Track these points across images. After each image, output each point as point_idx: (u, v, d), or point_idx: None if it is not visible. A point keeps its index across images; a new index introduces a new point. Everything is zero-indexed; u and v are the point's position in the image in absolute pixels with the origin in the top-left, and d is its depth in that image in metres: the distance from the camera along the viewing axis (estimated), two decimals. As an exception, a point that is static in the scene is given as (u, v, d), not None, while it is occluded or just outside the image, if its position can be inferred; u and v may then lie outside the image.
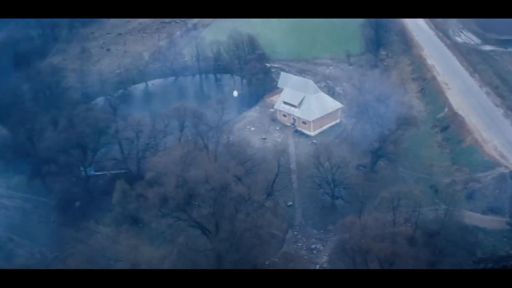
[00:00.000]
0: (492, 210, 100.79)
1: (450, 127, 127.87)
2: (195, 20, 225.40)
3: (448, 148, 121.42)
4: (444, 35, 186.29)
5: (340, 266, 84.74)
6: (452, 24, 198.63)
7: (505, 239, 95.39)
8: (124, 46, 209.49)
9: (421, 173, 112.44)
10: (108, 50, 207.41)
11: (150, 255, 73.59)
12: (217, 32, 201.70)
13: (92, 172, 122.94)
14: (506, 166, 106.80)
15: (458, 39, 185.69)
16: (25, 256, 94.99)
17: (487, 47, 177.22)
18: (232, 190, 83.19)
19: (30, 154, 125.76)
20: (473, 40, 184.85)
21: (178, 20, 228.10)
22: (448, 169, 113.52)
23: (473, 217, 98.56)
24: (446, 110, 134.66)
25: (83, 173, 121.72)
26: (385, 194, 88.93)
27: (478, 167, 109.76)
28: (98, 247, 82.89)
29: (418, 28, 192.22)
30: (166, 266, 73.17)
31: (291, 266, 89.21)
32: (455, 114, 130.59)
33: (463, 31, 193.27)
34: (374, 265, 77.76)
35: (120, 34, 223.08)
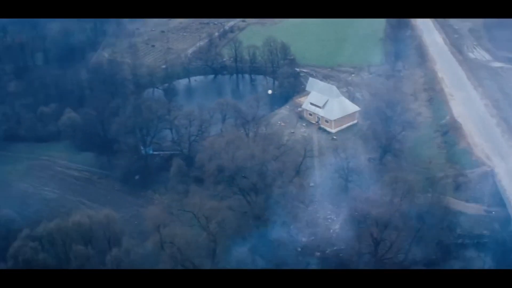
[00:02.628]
0: (474, 200, 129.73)
1: (449, 132, 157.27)
2: (231, 23, 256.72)
3: (445, 149, 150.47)
4: (457, 51, 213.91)
5: (348, 231, 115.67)
6: (467, 40, 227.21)
7: (481, 222, 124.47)
8: (167, 43, 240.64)
9: (420, 168, 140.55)
10: (153, 46, 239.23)
11: (210, 206, 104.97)
12: (252, 35, 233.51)
13: (151, 152, 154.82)
14: (489, 166, 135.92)
15: (471, 55, 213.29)
16: (97, 216, 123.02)
17: (497, 64, 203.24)
18: (270, 166, 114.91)
19: (98, 135, 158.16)
20: (484, 57, 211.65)
21: (215, 21, 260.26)
22: (443, 166, 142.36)
23: (458, 204, 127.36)
24: (448, 117, 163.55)
25: (143, 152, 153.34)
26: (386, 178, 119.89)
27: (467, 165, 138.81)
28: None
29: (435, 43, 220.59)
30: (220, 216, 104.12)
31: (310, 231, 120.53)
32: (455, 121, 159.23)
33: (477, 47, 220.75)
34: (373, 229, 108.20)
35: (163, 31, 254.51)
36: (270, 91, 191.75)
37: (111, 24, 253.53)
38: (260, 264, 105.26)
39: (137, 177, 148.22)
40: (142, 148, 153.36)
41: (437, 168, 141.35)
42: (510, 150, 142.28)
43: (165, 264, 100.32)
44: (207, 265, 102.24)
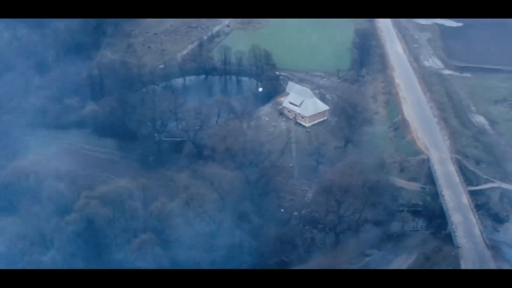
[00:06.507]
0: (413, 179, 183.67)
1: (399, 128, 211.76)
2: (217, 28, 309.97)
3: (395, 142, 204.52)
4: (414, 60, 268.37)
5: (318, 198, 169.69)
6: (425, 50, 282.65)
7: (417, 195, 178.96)
8: (161, 45, 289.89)
9: (375, 155, 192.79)
10: (149, 47, 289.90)
11: (221, 174, 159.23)
12: (236, 40, 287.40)
13: (163, 138, 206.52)
14: (426, 154, 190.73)
15: (426, 63, 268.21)
16: (135, 182, 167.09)
17: (447, 71, 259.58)
18: (262, 149, 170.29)
19: (118, 123, 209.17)
20: (437, 65, 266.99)
21: (203, 26, 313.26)
22: (392, 154, 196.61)
23: (401, 182, 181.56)
24: (399, 116, 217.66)
25: (156, 138, 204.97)
26: (347, 160, 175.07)
27: (410, 154, 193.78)
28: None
29: (395, 53, 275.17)
30: (228, 181, 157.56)
31: (289, 198, 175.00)
32: (404, 120, 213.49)
33: (432, 57, 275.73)
34: (336, 194, 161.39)
35: (156, 33, 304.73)
36: (260, 89, 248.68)
37: (109, 25, 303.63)
38: (256, 219, 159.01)
39: (151, 158, 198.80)
40: (156, 135, 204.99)
41: (388, 155, 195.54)
42: (443, 143, 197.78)
43: (187, 217, 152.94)
44: (217, 217, 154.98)
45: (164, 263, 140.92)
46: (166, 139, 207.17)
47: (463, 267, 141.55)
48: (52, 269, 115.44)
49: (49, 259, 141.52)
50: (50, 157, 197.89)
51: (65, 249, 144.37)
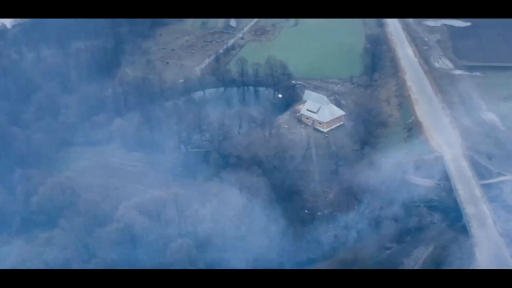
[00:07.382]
0: (428, 176, 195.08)
1: (413, 128, 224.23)
2: (232, 41, 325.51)
3: (409, 142, 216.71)
4: (425, 62, 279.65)
5: (339, 198, 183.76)
6: (435, 51, 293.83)
7: (432, 191, 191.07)
8: (179, 60, 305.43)
9: (391, 155, 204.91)
10: (167, 63, 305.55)
11: (249, 179, 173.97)
12: (252, 52, 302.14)
13: (189, 150, 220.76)
14: (439, 152, 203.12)
15: (436, 64, 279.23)
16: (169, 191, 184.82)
17: (457, 72, 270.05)
18: (285, 154, 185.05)
19: (145, 137, 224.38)
20: (447, 66, 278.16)
21: (218, 40, 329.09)
22: (407, 153, 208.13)
23: (416, 179, 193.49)
24: (413, 118, 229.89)
25: (183, 150, 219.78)
26: (363, 162, 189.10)
27: (424, 152, 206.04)
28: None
29: (406, 56, 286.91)
30: (255, 185, 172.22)
31: (312, 199, 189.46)
32: (417, 121, 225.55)
33: (442, 58, 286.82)
34: (356, 193, 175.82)
35: (173, 49, 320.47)
36: (280, 95, 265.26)
37: (128, 43, 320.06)
38: (282, 221, 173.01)
39: (180, 169, 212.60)
40: (182, 147, 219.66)
41: (403, 155, 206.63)
42: (456, 141, 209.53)
43: (219, 221, 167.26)
44: (246, 220, 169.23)
45: (199, 265, 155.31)
46: (192, 150, 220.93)
47: (477, 254, 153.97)
48: (53, 269, 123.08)
49: (93, 266, 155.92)
50: (84, 172, 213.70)
51: (108, 257, 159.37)
